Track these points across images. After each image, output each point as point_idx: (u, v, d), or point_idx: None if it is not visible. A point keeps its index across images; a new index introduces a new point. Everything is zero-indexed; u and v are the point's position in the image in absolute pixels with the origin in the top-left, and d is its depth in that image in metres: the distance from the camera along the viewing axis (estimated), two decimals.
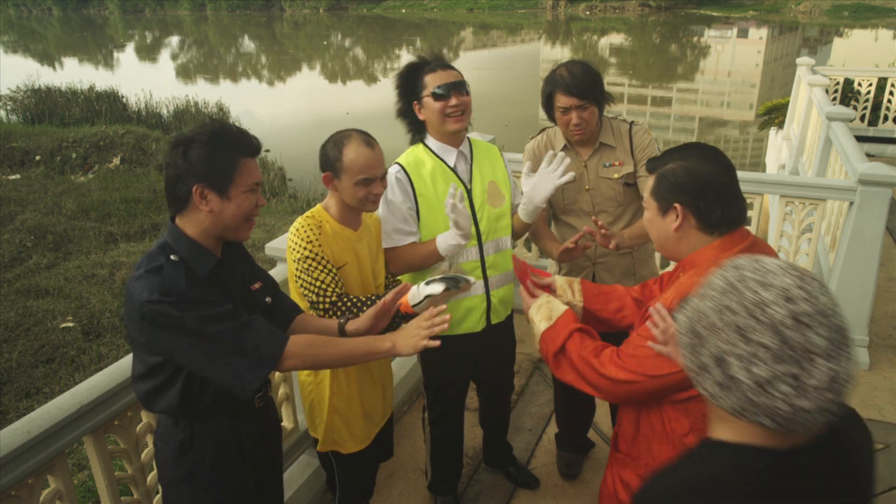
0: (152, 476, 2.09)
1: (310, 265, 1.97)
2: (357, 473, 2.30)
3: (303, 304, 2.05)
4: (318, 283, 1.97)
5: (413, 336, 1.63)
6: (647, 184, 1.56)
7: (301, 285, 2.00)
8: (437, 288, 1.83)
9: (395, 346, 1.63)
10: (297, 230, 1.99)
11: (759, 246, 1.51)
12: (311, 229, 1.99)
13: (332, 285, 1.98)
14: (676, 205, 1.48)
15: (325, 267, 1.98)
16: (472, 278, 1.88)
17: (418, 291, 1.86)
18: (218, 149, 1.52)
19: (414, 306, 1.87)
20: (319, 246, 1.98)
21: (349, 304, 1.98)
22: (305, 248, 1.97)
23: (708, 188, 1.46)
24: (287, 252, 2.04)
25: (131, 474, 2.01)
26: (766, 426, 0.90)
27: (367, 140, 1.98)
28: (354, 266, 2.09)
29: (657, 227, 1.55)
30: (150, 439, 2.08)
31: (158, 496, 2.13)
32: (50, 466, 1.73)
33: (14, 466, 1.61)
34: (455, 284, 1.84)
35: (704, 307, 0.95)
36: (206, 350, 1.48)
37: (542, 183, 2.18)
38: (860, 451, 1.03)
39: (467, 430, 2.85)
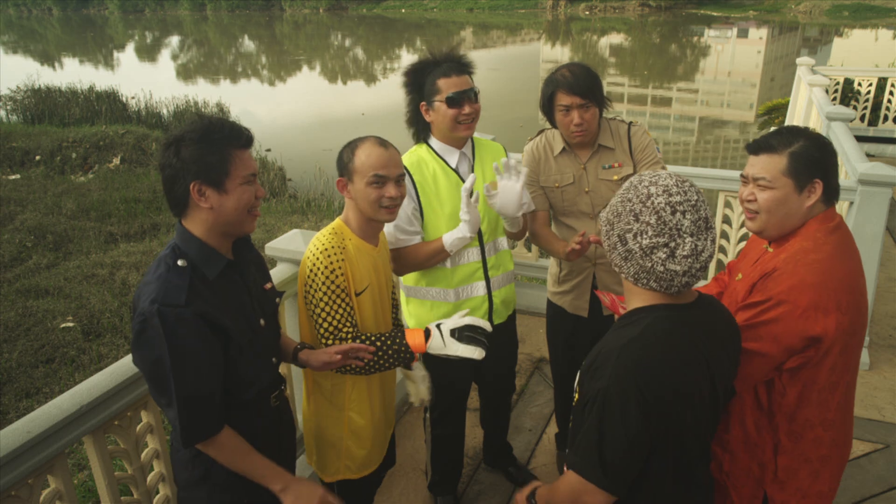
0: (152, 476, 2.09)
1: (332, 297, 1.86)
2: (363, 493, 2.23)
3: (309, 328, 1.96)
4: (334, 319, 1.87)
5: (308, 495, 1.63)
6: (773, 164, 1.60)
7: (316, 315, 1.88)
8: (478, 353, 1.86)
9: (283, 490, 1.62)
10: (323, 252, 1.86)
11: (842, 226, 1.66)
12: (336, 250, 1.86)
13: (348, 324, 1.89)
14: (817, 181, 1.59)
15: (343, 300, 1.87)
16: (487, 324, 1.93)
17: (445, 343, 1.86)
18: (209, 144, 1.51)
19: (437, 354, 1.90)
20: (343, 274, 1.86)
21: (367, 342, 1.89)
22: (328, 276, 1.84)
23: (835, 164, 1.64)
24: (303, 268, 1.91)
25: (131, 474, 2.01)
26: (653, 289, 1.33)
27: (381, 141, 1.94)
28: (375, 287, 1.99)
29: (790, 205, 1.61)
30: (150, 439, 2.08)
31: (159, 496, 2.13)
32: (50, 466, 1.73)
33: (14, 466, 1.61)
34: (485, 347, 1.88)
35: (614, 202, 1.37)
36: (157, 389, 1.51)
37: (505, 196, 2.19)
38: (724, 312, 1.46)
39: (468, 430, 2.85)
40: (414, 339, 1.90)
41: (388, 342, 1.90)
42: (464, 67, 2.23)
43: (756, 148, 1.65)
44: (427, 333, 1.91)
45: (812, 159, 1.58)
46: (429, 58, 2.26)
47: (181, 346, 1.47)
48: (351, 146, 1.94)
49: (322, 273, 1.84)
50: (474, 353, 1.85)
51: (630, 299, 1.40)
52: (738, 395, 1.68)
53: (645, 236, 1.28)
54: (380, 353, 1.88)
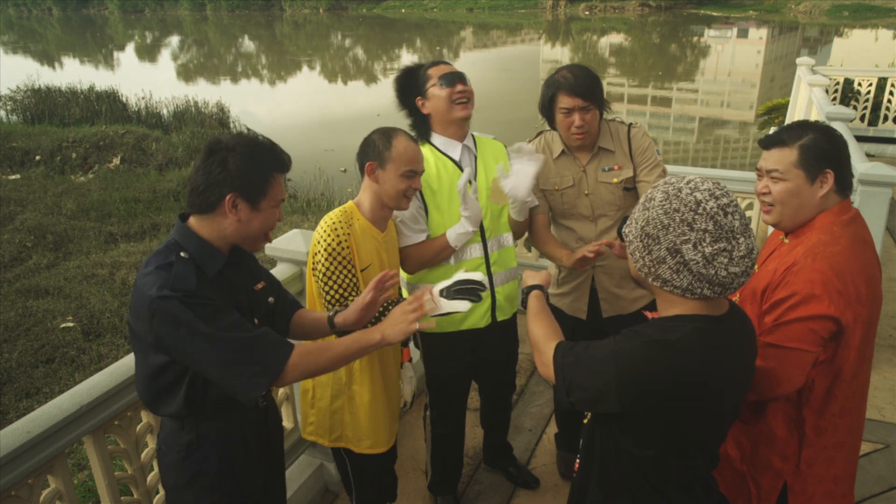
0: (152, 476, 2.09)
1: (336, 266, 1.96)
2: (379, 474, 2.26)
3: (319, 303, 2.04)
4: (339, 286, 1.96)
5: (401, 322, 1.64)
6: (785, 157, 1.65)
7: (323, 284, 1.98)
8: (463, 306, 1.84)
9: (384, 336, 1.63)
10: (330, 226, 1.98)
11: (858, 218, 1.69)
12: (342, 226, 1.98)
13: (353, 291, 1.98)
14: (828, 171, 1.63)
15: (349, 270, 1.98)
16: (480, 275, 1.87)
17: (437, 303, 1.83)
18: (257, 163, 1.57)
19: (432, 316, 1.88)
20: (348, 247, 1.97)
21: None
22: (334, 247, 1.95)
23: (846, 154, 1.66)
24: (312, 245, 2.02)
25: (131, 474, 2.01)
26: (706, 297, 1.29)
27: (412, 136, 2.06)
28: (377, 269, 2.07)
29: (803, 196, 1.65)
30: (150, 439, 2.08)
31: (159, 496, 2.13)
32: (50, 466, 1.73)
33: (14, 466, 1.61)
34: (476, 296, 1.85)
35: (652, 214, 1.29)
36: (215, 354, 1.48)
37: (518, 179, 2.20)
38: (749, 324, 1.44)
39: (468, 430, 2.85)
40: None
41: (392, 308, 1.94)
42: (449, 63, 2.31)
43: (768, 143, 1.71)
44: None
45: (822, 150, 1.63)
46: (414, 64, 2.35)
47: (208, 310, 1.47)
48: (385, 135, 2.02)
49: (329, 245, 1.95)
50: (461, 306, 1.84)
51: (666, 308, 1.36)
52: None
53: (705, 244, 1.23)
54: (386, 315, 1.90)
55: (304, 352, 1.59)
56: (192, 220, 1.59)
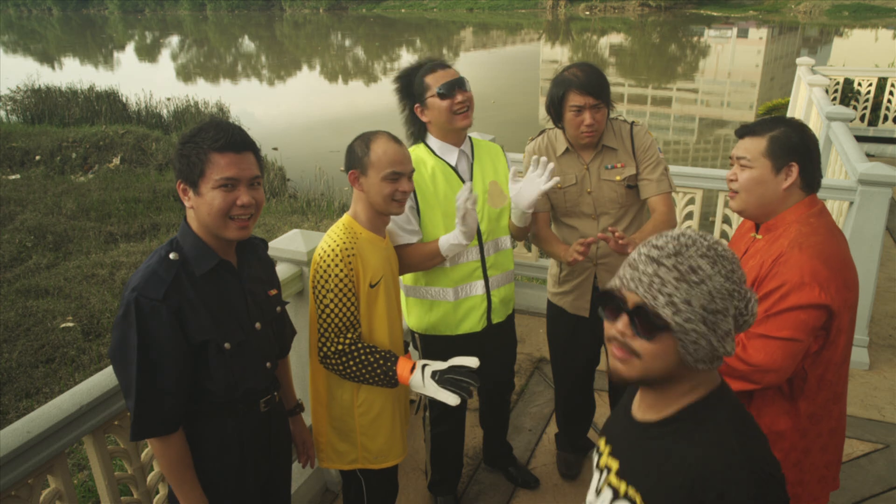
0: (152, 476, 2.09)
1: (342, 300, 1.89)
2: (389, 489, 2.23)
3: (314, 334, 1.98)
4: (345, 317, 1.90)
5: None
6: (754, 146, 1.69)
7: (326, 314, 1.90)
8: (451, 399, 1.83)
9: None
10: (340, 253, 1.88)
11: (826, 210, 1.73)
12: (349, 250, 1.89)
13: (354, 328, 1.92)
14: (793, 164, 1.67)
15: (354, 304, 1.91)
16: (475, 360, 1.90)
17: (424, 384, 1.85)
18: (193, 145, 1.52)
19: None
20: (355, 276, 1.90)
21: (362, 351, 1.91)
22: (343, 281, 1.87)
23: (815, 152, 1.69)
24: (318, 266, 1.92)
25: (131, 474, 2.01)
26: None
27: (395, 138, 1.99)
28: (389, 279, 2.03)
29: (766, 185, 1.70)
30: (150, 439, 2.07)
31: (159, 496, 2.13)
32: (50, 466, 1.73)
33: (14, 466, 1.61)
34: (466, 392, 1.85)
35: (713, 286, 1.02)
36: (128, 371, 1.51)
37: (527, 188, 2.18)
38: None
39: (467, 430, 2.85)
40: (403, 369, 1.91)
41: (382, 362, 1.91)
42: (447, 64, 2.27)
43: (742, 132, 1.75)
44: (414, 368, 1.92)
45: (789, 143, 1.67)
46: (413, 64, 2.31)
47: (151, 338, 1.49)
48: (364, 140, 1.96)
49: (335, 276, 1.88)
50: (449, 398, 1.83)
51: (693, 391, 1.10)
52: (762, 390, 1.71)
53: (752, 298, 1.10)
54: (369, 369, 1.90)
55: (171, 444, 1.58)
56: (187, 215, 1.62)
